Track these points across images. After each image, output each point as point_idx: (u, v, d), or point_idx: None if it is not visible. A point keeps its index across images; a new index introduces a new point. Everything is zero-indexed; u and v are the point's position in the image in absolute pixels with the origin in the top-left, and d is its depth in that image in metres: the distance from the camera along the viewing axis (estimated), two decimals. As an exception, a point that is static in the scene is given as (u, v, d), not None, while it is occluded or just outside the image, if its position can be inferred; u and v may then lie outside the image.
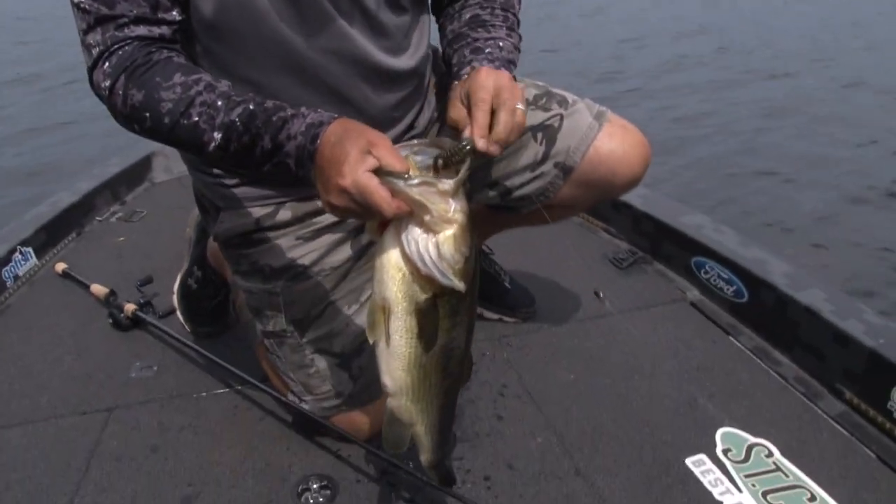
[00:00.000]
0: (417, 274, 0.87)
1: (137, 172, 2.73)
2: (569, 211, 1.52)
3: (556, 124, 1.35)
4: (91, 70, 1.03)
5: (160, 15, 1.02)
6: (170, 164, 2.78)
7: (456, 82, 1.15)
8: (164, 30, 1.03)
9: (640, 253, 2.02)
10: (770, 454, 1.32)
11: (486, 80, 1.05)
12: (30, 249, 2.10)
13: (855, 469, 1.28)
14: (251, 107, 0.98)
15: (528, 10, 1.37)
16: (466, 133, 1.00)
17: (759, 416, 1.41)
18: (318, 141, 0.94)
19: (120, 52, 1.00)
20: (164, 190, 2.72)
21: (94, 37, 1.01)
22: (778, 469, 1.28)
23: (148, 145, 2.72)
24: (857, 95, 5.58)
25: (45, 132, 5.33)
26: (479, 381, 1.53)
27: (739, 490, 1.24)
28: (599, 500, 1.23)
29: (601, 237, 2.17)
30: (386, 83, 1.22)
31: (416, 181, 0.84)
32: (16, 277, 2.02)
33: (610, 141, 1.35)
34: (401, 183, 0.84)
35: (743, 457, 1.31)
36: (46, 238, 2.19)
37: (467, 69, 1.15)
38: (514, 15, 1.28)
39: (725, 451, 1.33)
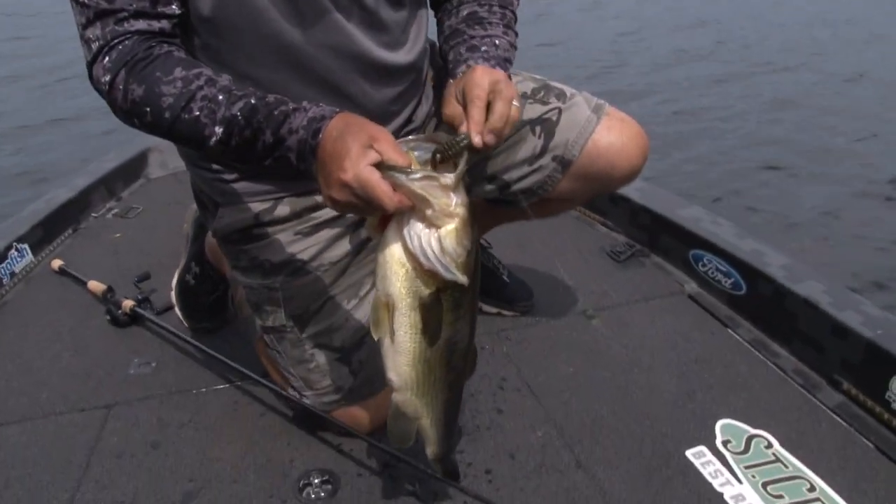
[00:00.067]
0: (420, 269, 0.87)
1: (133, 168, 2.72)
2: (567, 204, 1.52)
3: (554, 118, 1.35)
4: (90, 64, 1.02)
5: (160, 9, 1.02)
6: (165, 160, 2.76)
7: (451, 80, 1.15)
8: (164, 24, 1.02)
9: (637, 246, 2.03)
10: (769, 445, 1.32)
11: (482, 78, 1.05)
12: (26, 246, 2.09)
13: (854, 459, 1.29)
14: (252, 101, 0.98)
15: (526, 5, 1.37)
16: (463, 129, 1.00)
17: (758, 407, 1.42)
18: (320, 135, 0.93)
19: (120, 47, 1.00)
20: (160, 186, 2.71)
21: (94, 31, 1.00)
22: (777, 460, 1.29)
23: (143, 141, 2.71)
24: (858, 89, 5.57)
25: (39, 130, 5.30)
26: (479, 374, 1.53)
27: (739, 481, 1.25)
28: (600, 492, 1.23)
29: (598, 230, 2.17)
30: (384, 78, 1.22)
31: (418, 175, 0.84)
32: (12, 274, 2.01)
33: (608, 134, 1.35)
34: (403, 177, 0.84)
35: (742, 448, 1.32)
36: (42, 234, 2.18)
37: (463, 67, 1.15)
38: (512, 12, 1.27)
39: (725, 443, 1.33)
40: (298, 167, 0.98)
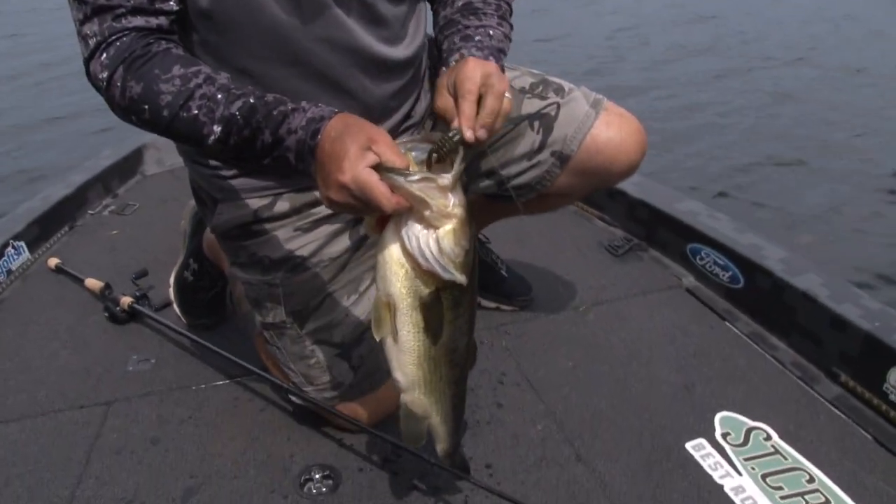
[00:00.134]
0: (419, 269, 0.87)
1: (129, 165, 2.71)
2: (565, 199, 1.52)
3: (552, 113, 1.35)
4: (88, 61, 1.02)
5: (158, 5, 1.01)
6: (161, 157, 2.76)
7: (444, 69, 1.14)
8: (162, 20, 1.02)
9: (635, 240, 2.03)
10: (768, 437, 1.33)
11: (474, 71, 1.03)
12: (22, 244, 2.08)
13: (852, 451, 1.30)
14: (251, 100, 0.98)
15: (522, 1, 1.37)
16: (454, 124, 1.00)
17: (756, 400, 1.43)
18: (319, 136, 0.93)
19: (118, 43, 0.99)
20: (156, 182, 2.70)
21: (91, 27, 1.00)
22: (777, 452, 1.30)
23: (139, 137, 2.70)
24: (857, 84, 5.57)
25: (35, 128, 5.28)
26: (479, 369, 1.53)
27: (739, 473, 1.25)
28: (600, 485, 1.24)
29: (596, 225, 2.17)
30: (383, 73, 1.22)
31: (416, 177, 0.84)
32: (8, 272, 2.00)
33: (607, 129, 1.35)
34: (401, 179, 0.84)
35: (742, 440, 1.32)
36: (39, 232, 2.17)
37: (456, 56, 1.15)
38: (508, 4, 1.27)
39: (724, 435, 1.34)
40: (297, 167, 0.98)
